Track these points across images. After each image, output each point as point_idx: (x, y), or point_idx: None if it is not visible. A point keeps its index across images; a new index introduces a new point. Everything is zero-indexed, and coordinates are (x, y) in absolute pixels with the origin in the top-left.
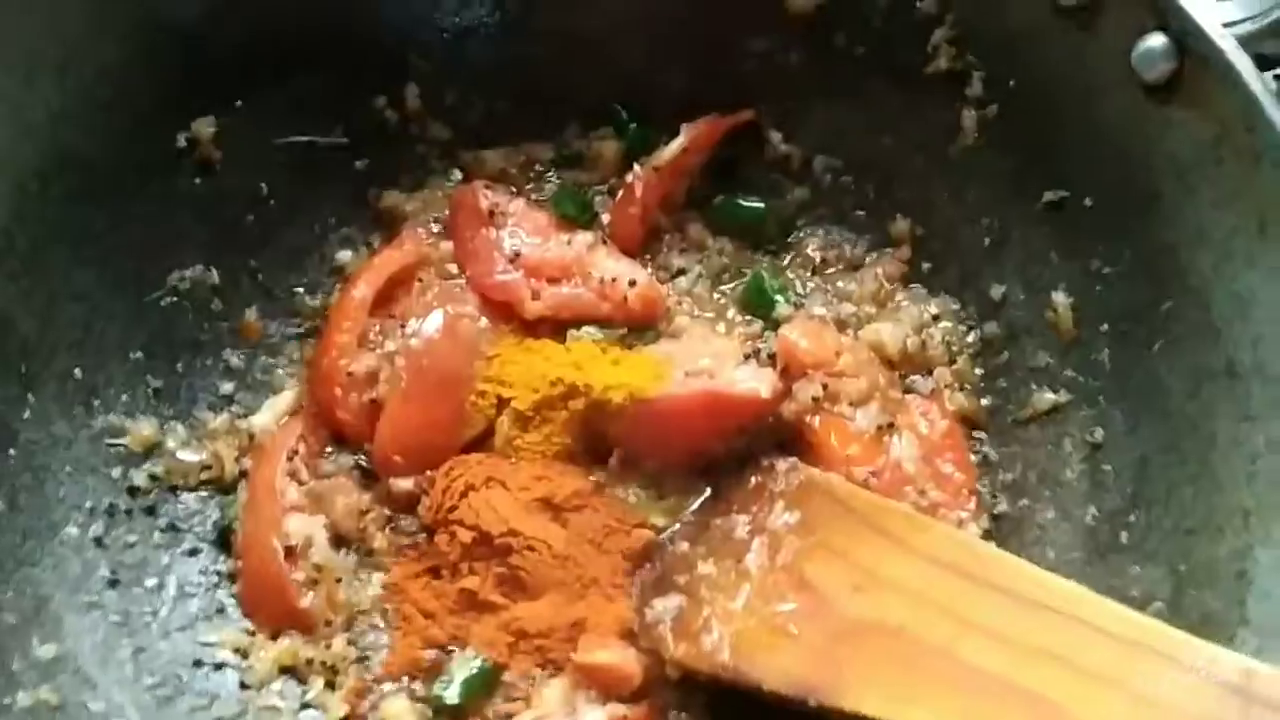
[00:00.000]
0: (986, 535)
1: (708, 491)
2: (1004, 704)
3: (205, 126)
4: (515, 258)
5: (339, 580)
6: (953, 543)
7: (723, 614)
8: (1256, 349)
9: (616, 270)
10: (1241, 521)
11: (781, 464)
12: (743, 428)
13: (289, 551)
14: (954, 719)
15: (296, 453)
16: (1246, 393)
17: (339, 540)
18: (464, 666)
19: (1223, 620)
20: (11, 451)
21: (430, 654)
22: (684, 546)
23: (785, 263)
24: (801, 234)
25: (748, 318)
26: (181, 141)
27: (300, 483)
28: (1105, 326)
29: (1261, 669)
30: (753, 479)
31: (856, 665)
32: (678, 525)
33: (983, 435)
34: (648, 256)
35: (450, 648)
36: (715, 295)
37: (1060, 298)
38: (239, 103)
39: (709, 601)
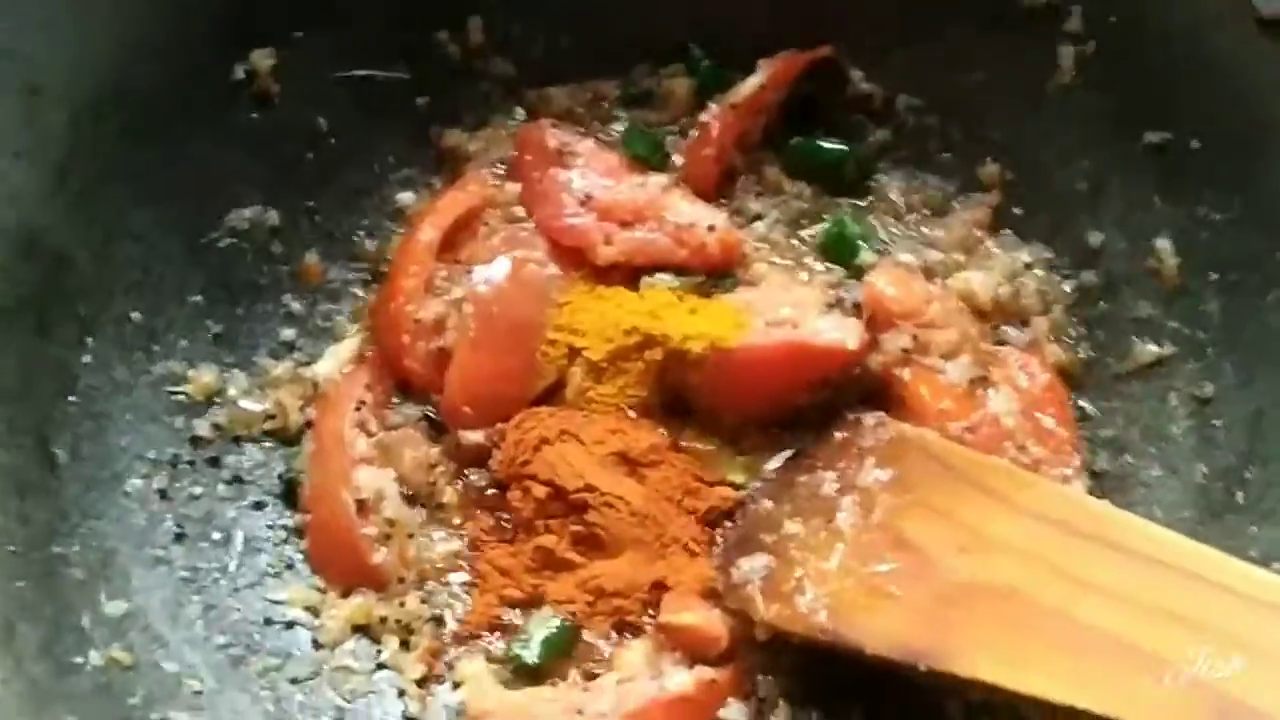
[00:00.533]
0: (1088, 492)
1: (790, 449)
2: (1125, 666)
3: (263, 59)
4: (586, 200)
5: (411, 536)
6: (1061, 499)
7: (816, 574)
8: None
9: (693, 214)
10: None
11: (869, 419)
12: (827, 380)
13: (360, 505)
14: (1073, 682)
15: (364, 403)
16: None
17: (407, 495)
18: (542, 626)
19: None
20: (72, 397)
21: (508, 613)
22: (767, 504)
23: (866, 207)
24: (883, 177)
25: (828, 265)
26: (239, 74)
27: (369, 434)
28: (1214, 276)
29: None
30: (838, 434)
31: (967, 628)
32: (759, 482)
33: (1079, 392)
34: (722, 200)
35: (528, 608)
36: (793, 241)
37: (1164, 245)
38: (298, 34)
39: (800, 562)
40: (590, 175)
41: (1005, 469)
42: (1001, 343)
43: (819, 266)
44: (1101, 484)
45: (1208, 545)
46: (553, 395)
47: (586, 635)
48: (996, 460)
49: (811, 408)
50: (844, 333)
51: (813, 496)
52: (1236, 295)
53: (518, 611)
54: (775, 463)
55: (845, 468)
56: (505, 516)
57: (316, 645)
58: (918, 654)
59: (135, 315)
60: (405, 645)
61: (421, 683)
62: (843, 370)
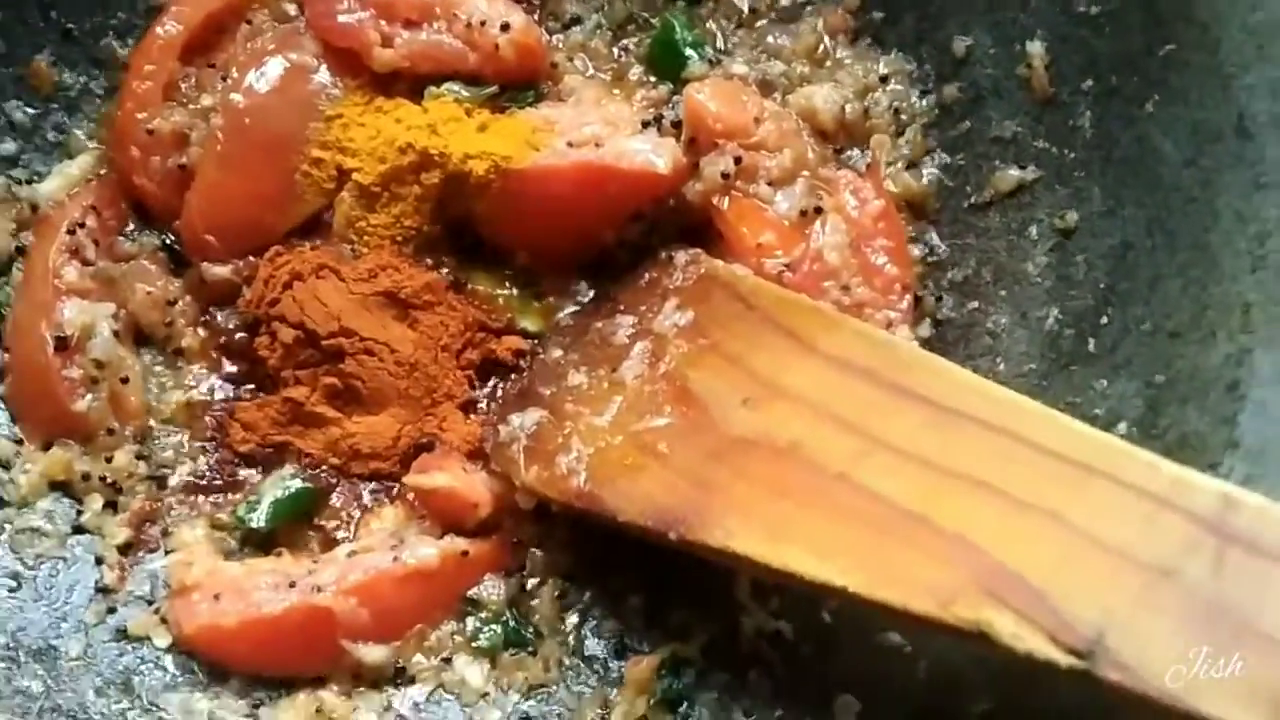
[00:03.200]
0: (926, 344)
1: (592, 291)
2: (909, 545)
3: None
4: None
5: (125, 380)
6: (870, 343)
7: (586, 430)
8: (1276, 98)
9: (487, 11)
10: (1240, 320)
11: (681, 256)
12: (638, 211)
13: (62, 343)
14: (843, 561)
15: (81, 225)
16: (1259, 155)
17: (139, 336)
18: (275, 487)
19: (1205, 443)
20: None
21: (245, 473)
22: (556, 354)
23: (704, 13)
24: None
25: (653, 79)
26: None
27: (85, 263)
28: (1089, 83)
29: (1248, 499)
30: (646, 275)
31: (731, 492)
32: (554, 328)
33: (930, 228)
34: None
35: (269, 468)
36: (616, 51)
37: (1037, 48)
38: None
39: (573, 416)
40: None
41: (812, 309)
42: (842, 168)
43: (644, 80)
44: (943, 333)
45: (1050, 402)
46: (316, 226)
47: (334, 501)
48: (805, 299)
49: (621, 245)
50: (656, 155)
51: (604, 344)
52: (1111, 104)
53: (256, 473)
54: (574, 308)
55: (645, 311)
56: (254, 364)
57: (2, 503)
58: (671, 522)
59: None
60: (112, 507)
61: (125, 549)
62: (654, 199)
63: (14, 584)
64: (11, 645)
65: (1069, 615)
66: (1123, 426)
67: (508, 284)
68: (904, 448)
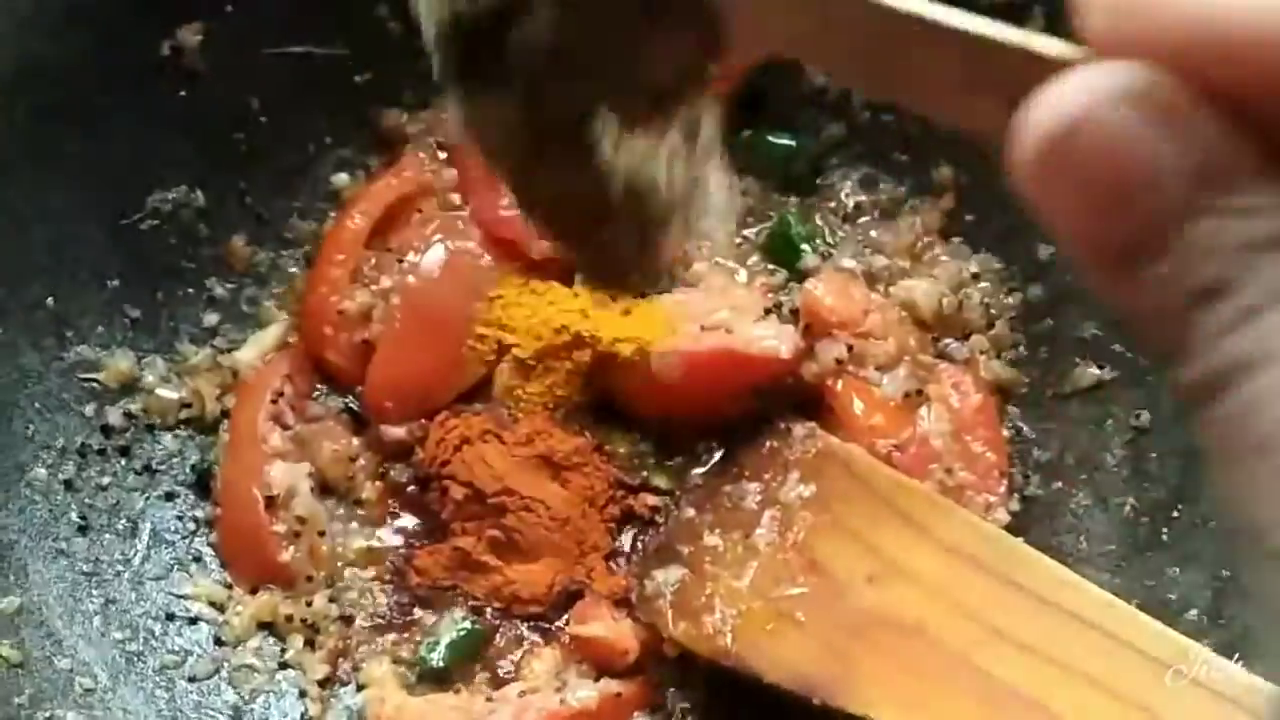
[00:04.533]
0: (1015, 517)
1: (718, 454)
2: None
3: (191, 34)
4: None
5: (321, 534)
6: (978, 534)
7: (727, 592)
8: None
9: None
10: None
11: (799, 429)
12: (759, 388)
13: (270, 502)
14: None
15: (282, 394)
16: None
17: (325, 489)
18: (451, 629)
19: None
20: None
21: (420, 614)
22: (689, 513)
23: (814, 207)
24: (834, 175)
25: (770, 267)
26: (165, 50)
27: (285, 427)
28: None
29: None
30: (767, 443)
31: (867, 663)
32: (685, 488)
33: (1017, 410)
34: None
35: (441, 610)
36: (737, 240)
37: None
38: (229, 7)
39: (713, 577)
40: None
41: (925, 495)
42: (943, 357)
43: (761, 268)
44: (1031, 510)
45: (1130, 582)
46: (479, 392)
47: (498, 640)
48: (918, 485)
49: (741, 416)
50: (778, 340)
51: (735, 508)
52: None
53: (430, 613)
54: (702, 469)
55: (770, 479)
56: (425, 515)
57: (219, 642)
58: (814, 688)
59: (48, 301)
60: (310, 645)
61: (324, 683)
62: (775, 378)
63: (234, 716)
64: None
65: None
66: (1193, 614)
67: (642, 447)
68: (1014, 635)
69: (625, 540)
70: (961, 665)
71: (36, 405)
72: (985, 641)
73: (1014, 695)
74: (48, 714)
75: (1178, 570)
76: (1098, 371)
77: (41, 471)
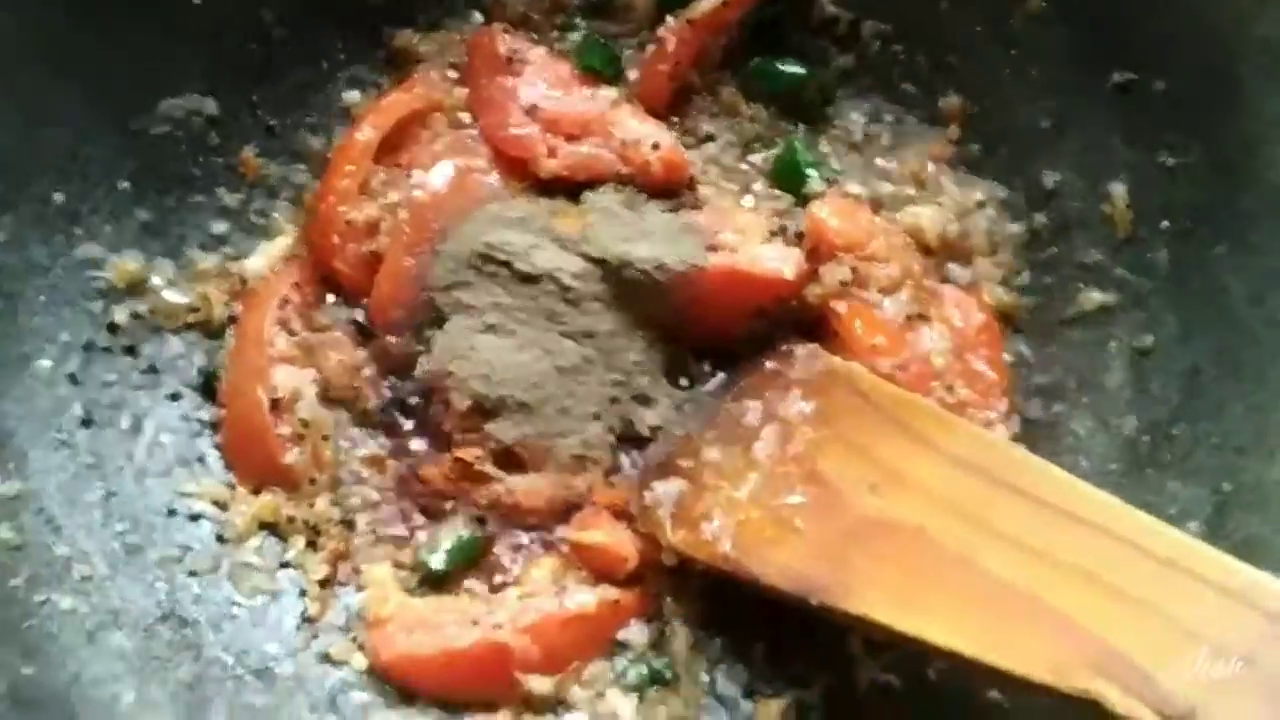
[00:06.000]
0: (1016, 440)
1: (720, 374)
2: (1025, 621)
3: None
4: (532, 110)
5: (325, 438)
6: (980, 443)
7: (726, 502)
8: None
9: (640, 131)
10: None
11: (801, 350)
12: (763, 309)
13: (275, 403)
14: (969, 632)
15: (289, 301)
16: None
17: (329, 398)
18: (451, 535)
19: (1268, 545)
20: None
21: (420, 521)
22: (691, 429)
23: (822, 135)
24: (843, 105)
25: (776, 192)
26: None
27: (291, 333)
28: (1166, 224)
29: None
30: (769, 363)
31: (865, 567)
32: (686, 406)
33: (1020, 335)
34: (674, 119)
35: (440, 517)
36: (743, 165)
37: (1119, 190)
38: None
39: (712, 489)
40: (539, 85)
41: (929, 409)
42: (946, 281)
43: (767, 193)
44: (1031, 431)
45: (1129, 499)
46: None
47: (497, 549)
48: (921, 399)
49: (746, 335)
50: (783, 261)
51: (735, 424)
52: (1186, 245)
53: (432, 521)
54: (704, 388)
55: (771, 397)
56: (428, 426)
57: (220, 540)
58: (812, 590)
59: (57, 197)
60: (312, 546)
61: (325, 584)
62: (779, 299)
63: (234, 612)
64: (238, 666)
65: (1166, 691)
66: (1194, 526)
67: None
68: (1014, 537)
69: (625, 461)
70: (961, 565)
71: (42, 298)
72: (985, 543)
73: (1013, 592)
74: (44, 597)
75: (1179, 485)
76: (1101, 295)
77: (46, 363)
